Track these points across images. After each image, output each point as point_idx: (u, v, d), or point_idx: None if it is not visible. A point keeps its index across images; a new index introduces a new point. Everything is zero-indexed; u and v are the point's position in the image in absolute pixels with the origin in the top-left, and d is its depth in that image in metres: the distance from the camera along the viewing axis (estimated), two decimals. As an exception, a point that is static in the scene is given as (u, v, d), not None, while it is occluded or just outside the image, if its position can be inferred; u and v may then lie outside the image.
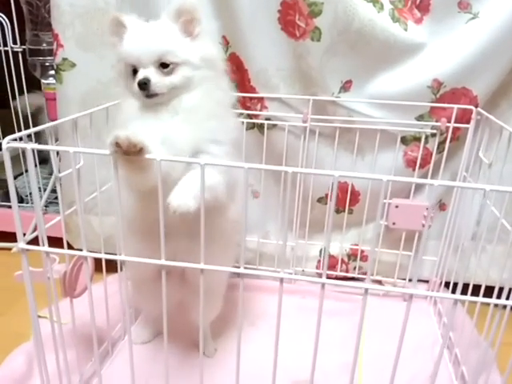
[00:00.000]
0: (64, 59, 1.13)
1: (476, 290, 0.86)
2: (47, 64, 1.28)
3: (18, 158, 1.25)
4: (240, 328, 0.66)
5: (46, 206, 1.46)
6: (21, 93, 1.37)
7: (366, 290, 0.60)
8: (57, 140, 1.24)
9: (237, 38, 1.08)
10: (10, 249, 1.39)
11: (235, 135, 0.79)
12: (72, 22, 1.10)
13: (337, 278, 1.30)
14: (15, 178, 1.55)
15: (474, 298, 0.66)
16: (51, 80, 1.27)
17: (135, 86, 0.75)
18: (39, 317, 0.75)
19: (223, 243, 0.81)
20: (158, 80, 0.74)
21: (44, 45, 1.26)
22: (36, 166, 1.55)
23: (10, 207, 1.50)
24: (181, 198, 0.64)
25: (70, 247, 0.98)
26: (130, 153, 0.61)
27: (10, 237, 1.37)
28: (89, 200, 0.92)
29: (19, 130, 1.38)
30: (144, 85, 0.73)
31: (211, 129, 0.74)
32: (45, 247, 0.69)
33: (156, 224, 0.63)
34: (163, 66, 0.75)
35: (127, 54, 0.77)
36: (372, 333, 1.09)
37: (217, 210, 0.74)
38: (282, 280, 0.61)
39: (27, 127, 1.34)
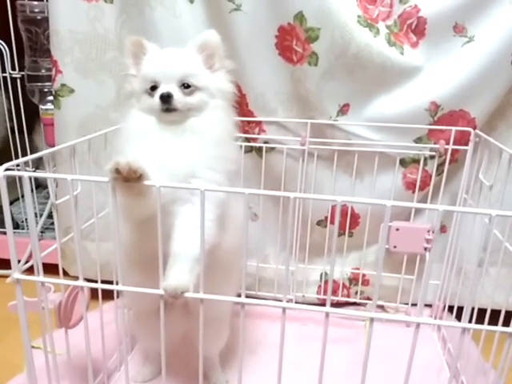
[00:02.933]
0: (62, 85, 1.14)
1: (480, 314, 0.85)
2: (46, 90, 1.28)
3: (13, 183, 1.24)
4: (241, 358, 0.63)
5: (41, 232, 1.44)
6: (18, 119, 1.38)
7: (372, 319, 0.58)
8: (54, 165, 1.24)
9: (234, 63, 1.09)
10: (3, 276, 1.37)
11: (233, 167, 0.79)
12: (71, 48, 1.11)
13: (338, 303, 1.28)
14: (11, 203, 1.53)
15: (481, 327, 0.64)
16: (49, 106, 1.27)
17: (155, 99, 0.78)
18: (33, 347, 0.72)
19: (224, 271, 0.79)
20: (179, 96, 0.77)
21: (43, 71, 1.27)
22: (32, 191, 1.54)
23: (5, 233, 1.50)
24: (176, 278, 0.65)
25: (64, 273, 0.97)
26: (130, 179, 0.61)
27: (4, 263, 1.36)
28: (85, 226, 0.90)
29: (16, 155, 1.39)
30: (167, 97, 0.76)
31: (211, 155, 0.74)
32: (40, 277, 0.67)
33: (154, 255, 0.62)
34: (185, 86, 0.79)
35: (151, 70, 0.80)
36: (375, 360, 1.05)
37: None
38: (284, 310, 0.59)
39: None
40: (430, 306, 1.23)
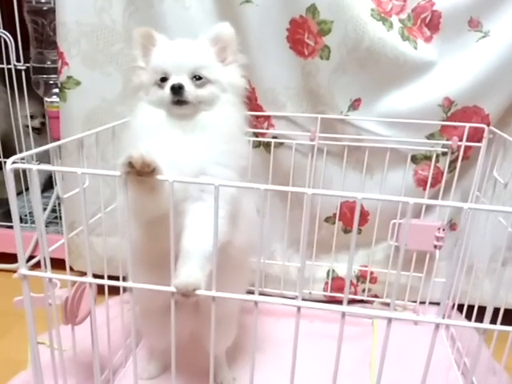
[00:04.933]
0: (69, 77, 1.12)
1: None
2: (51, 82, 1.26)
3: (17, 176, 1.23)
4: (253, 357, 0.62)
5: (45, 226, 1.42)
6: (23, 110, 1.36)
7: (390, 319, 0.57)
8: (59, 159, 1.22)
9: (244, 56, 1.07)
10: (6, 270, 1.35)
11: (244, 163, 0.77)
12: (78, 40, 1.09)
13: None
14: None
15: (494, 327, 0.62)
16: (54, 98, 1.25)
17: (165, 91, 0.75)
18: (38, 343, 0.71)
19: (234, 268, 0.77)
20: (191, 88, 0.75)
21: (48, 63, 1.25)
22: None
23: (8, 227, 1.49)
24: (187, 275, 0.63)
25: (70, 269, 0.96)
26: (143, 173, 0.59)
27: (7, 257, 1.34)
28: (92, 221, 0.89)
29: (20, 149, 1.38)
30: (178, 89, 0.74)
31: (222, 151, 0.72)
32: (48, 273, 0.65)
33: (164, 254, 0.61)
34: (196, 78, 0.76)
35: (162, 61, 0.77)
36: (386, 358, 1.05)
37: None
38: (299, 309, 0.58)
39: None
40: (437, 304, 1.22)
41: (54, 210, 1.52)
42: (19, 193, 1.55)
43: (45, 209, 1.45)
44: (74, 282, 0.73)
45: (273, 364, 1.00)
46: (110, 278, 0.86)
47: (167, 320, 0.64)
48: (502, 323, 0.75)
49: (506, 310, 0.77)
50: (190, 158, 0.71)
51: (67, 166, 1.13)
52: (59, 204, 1.40)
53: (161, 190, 0.62)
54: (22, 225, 1.50)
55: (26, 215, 1.49)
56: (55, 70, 1.18)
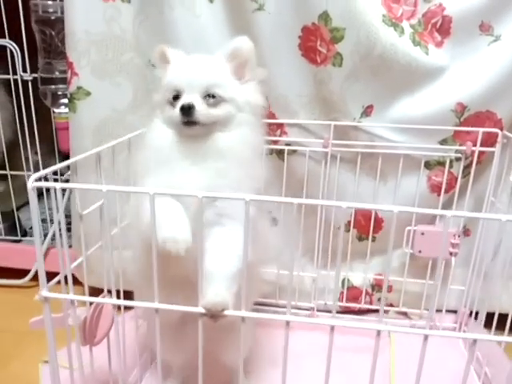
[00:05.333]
0: (79, 88, 1.10)
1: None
2: (59, 93, 1.25)
3: (23, 186, 1.20)
4: (284, 373, 0.60)
5: (53, 239, 1.40)
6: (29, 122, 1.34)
7: (426, 336, 0.55)
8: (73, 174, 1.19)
9: (256, 63, 1.06)
10: (9, 286, 1.31)
11: (258, 186, 0.74)
12: (87, 50, 1.08)
13: (360, 310, 1.25)
14: (18, 209, 1.49)
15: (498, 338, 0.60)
16: (63, 109, 1.24)
17: (175, 111, 0.72)
18: (46, 362, 0.69)
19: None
20: (202, 108, 0.71)
21: (56, 73, 1.24)
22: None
23: (14, 241, 1.46)
24: (214, 294, 0.61)
25: (80, 283, 0.93)
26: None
27: (9, 272, 1.31)
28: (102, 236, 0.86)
29: (27, 160, 1.35)
30: (188, 109, 0.70)
31: (236, 177, 0.70)
32: (71, 295, 0.63)
33: (175, 278, 0.61)
34: (209, 96, 0.72)
35: (174, 78, 0.75)
36: (401, 369, 1.03)
37: None
38: (333, 328, 0.56)
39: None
40: (454, 311, 1.20)
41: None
42: (22, 204, 1.53)
43: (51, 220, 1.42)
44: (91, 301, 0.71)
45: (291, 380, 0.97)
46: (124, 292, 0.85)
47: (182, 336, 0.63)
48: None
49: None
50: (203, 183, 0.68)
51: (80, 179, 1.11)
52: (66, 216, 1.38)
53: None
54: (28, 238, 1.48)
55: (30, 228, 1.47)
56: (63, 80, 1.17)
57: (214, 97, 0.72)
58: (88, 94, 1.11)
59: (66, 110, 1.18)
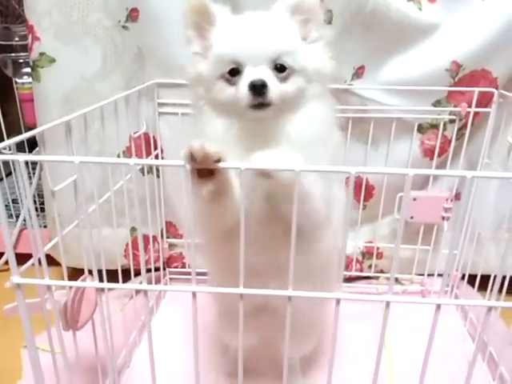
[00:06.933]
0: (41, 54, 1.00)
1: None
2: (21, 61, 1.14)
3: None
4: (332, 360, 0.55)
5: (25, 220, 1.31)
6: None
7: (439, 305, 0.52)
8: (36, 146, 1.10)
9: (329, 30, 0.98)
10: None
11: (336, 152, 0.64)
12: (49, 11, 0.98)
13: (350, 278, 1.23)
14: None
15: (498, 304, 0.57)
16: (26, 79, 1.13)
17: (240, 90, 0.57)
18: (25, 347, 0.64)
19: (320, 277, 0.66)
20: (275, 85, 0.57)
21: (16, 39, 1.12)
22: (9, 175, 1.40)
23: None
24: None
25: (57, 263, 0.87)
26: (207, 169, 0.48)
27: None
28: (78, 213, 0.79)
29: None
30: (261, 87, 0.56)
31: (312, 156, 0.56)
32: (46, 280, 0.57)
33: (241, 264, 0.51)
34: (278, 69, 0.59)
35: (230, 46, 0.59)
36: (397, 335, 1.02)
37: (312, 231, 0.60)
38: (338, 301, 0.52)
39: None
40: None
41: (33, 202, 1.41)
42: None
43: (15, 200, 1.34)
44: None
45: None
46: (107, 272, 0.79)
47: (246, 322, 0.56)
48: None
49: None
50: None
51: (50, 153, 1.03)
52: (39, 195, 1.30)
53: (230, 192, 0.52)
54: None
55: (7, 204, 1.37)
56: (24, 47, 1.06)
57: (284, 68, 0.59)
58: (52, 60, 1.01)
59: (30, 79, 1.08)
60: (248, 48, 0.58)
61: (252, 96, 0.56)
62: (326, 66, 0.63)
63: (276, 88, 0.57)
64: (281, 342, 0.77)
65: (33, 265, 0.59)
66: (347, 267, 1.21)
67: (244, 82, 0.57)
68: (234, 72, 0.59)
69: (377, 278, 1.25)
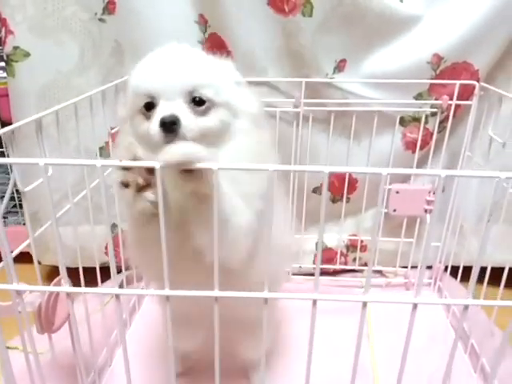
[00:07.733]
0: (15, 48, 0.98)
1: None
2: (-6, 55, 1.10)
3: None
4: (309, 361, 0.54)
5: (4, 217, 1.29)
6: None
7: (415, 304, 0.52)
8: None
9: (217, 16, 0.96)
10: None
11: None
12: (23, 3, 0.95)
13: (335, 271, 1.23)
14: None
15: (491, 303, 0.57)
16: (1, 73, 1.10)
17: (152, 125, 0.54)
18: (8, 348, 0.62)
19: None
20: (189, 120, 0.53)
21: (-12, 32, 1.08)
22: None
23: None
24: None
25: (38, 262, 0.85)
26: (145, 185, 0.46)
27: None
28: (56, 210, 0.77)
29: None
30: (171, 125, 0.52)
31: (245, 190, 0.55)
32: (14, 285, 0.55)
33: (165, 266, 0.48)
34: (196, 102, 0.55)
35: (143, 80, 0.56)
36: (380, 328, 1.03)
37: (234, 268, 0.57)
38: (315, 302, 0.51)
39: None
40: (430, 267, 1.20)
41: (12, 198, 1.38)
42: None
43: (1, 197, 1.31)
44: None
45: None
46: (84, 269, 0.81)
47: (190, 323, 0.54)
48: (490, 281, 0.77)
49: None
50: None
51: (23, 150, 0.99)
52: (17, 191, 1.27)
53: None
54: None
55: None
56: (-2, 41, 1.03)
57: (202, 102, 0.55)
58: (27, 54, 0.98)
59: (4, 74, 1.05)
60: (161, 81, 0.55)
61: (163, 133, 0.53)
62: (251, 107, 0.60)
63: (190, 123, 0.54)
64: (238, 344, 0.78)
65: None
66: (331, 260, 1.22)
67: (156, 118, 0.54)
68: (150, 106, 0.55)
69: (361, 271, 1.25)
